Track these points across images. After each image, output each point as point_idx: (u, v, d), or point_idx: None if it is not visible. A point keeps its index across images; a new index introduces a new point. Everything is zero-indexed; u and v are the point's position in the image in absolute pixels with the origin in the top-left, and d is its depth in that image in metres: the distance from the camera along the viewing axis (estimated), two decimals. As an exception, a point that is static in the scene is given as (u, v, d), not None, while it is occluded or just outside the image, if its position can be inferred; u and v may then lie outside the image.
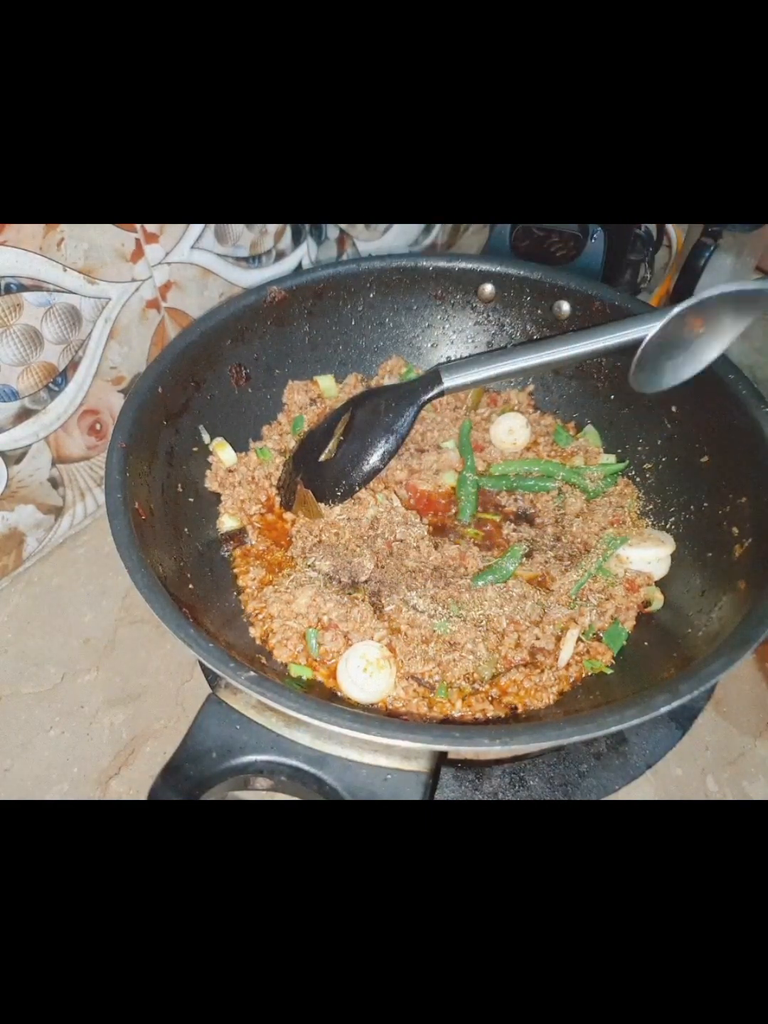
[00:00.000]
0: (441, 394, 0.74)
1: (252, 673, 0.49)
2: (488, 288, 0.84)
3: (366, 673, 0.61)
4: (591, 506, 0.77)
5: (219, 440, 0.79)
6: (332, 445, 0.76)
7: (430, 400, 0.74)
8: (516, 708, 0.63)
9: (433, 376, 0.74)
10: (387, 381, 0.88)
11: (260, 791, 0.54)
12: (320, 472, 0.76)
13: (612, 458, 0.81)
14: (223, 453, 0.78)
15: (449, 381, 0.73)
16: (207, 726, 0.52)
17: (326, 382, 0.86)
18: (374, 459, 0.75)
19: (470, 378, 0.73)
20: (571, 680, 0.65)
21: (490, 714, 0.62)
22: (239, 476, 0.78)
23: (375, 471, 0.75)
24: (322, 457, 0.77)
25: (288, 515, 0.77)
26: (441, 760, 0.54)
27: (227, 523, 0.76)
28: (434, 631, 0.65)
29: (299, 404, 0.85)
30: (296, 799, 0.54)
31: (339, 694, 0.63)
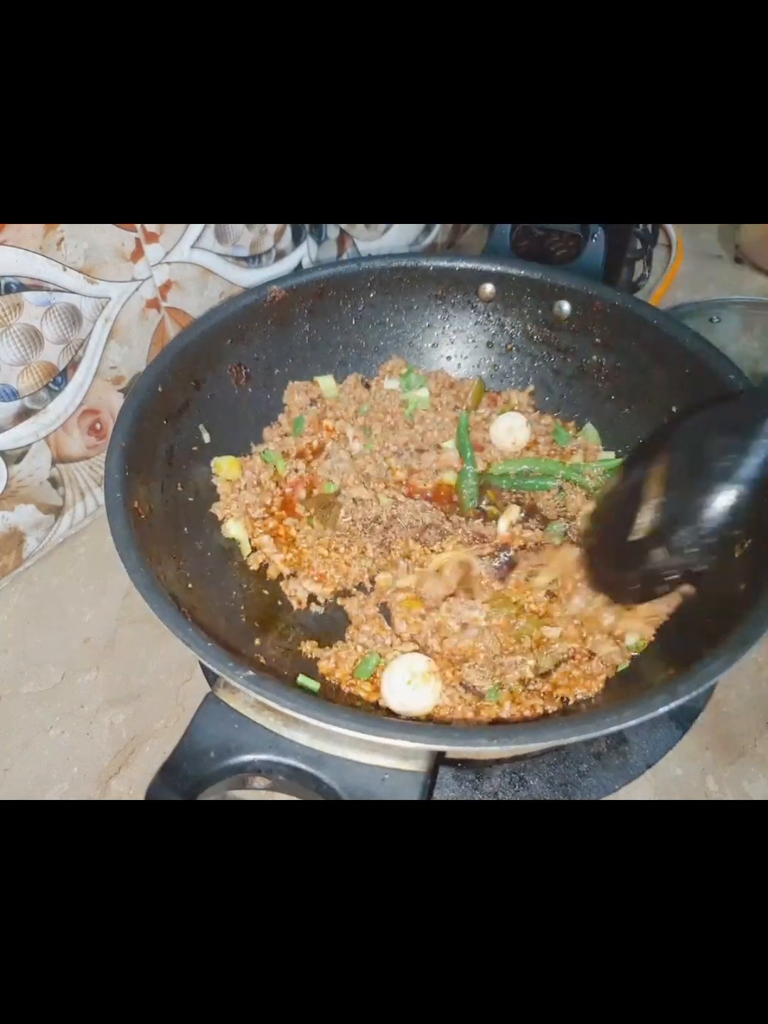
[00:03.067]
0: None
1: (251, 672, 0.49)
2: (488, 288, 0.84)
3: (411, 686, 0.59)
4: (592, 501, 0.77)
5: (219, 460, 0.77)
6: (646, 515, 0.55)
7: None
8: (567, 699, 0.62)
9: None
10: (386, 381, 0.88)
11: (258, 790, 0.54)
12: (630, 554, 0.55)
13: (611, 455, 0.81)
14: (225, 471, 0.77)
15: None
16: (205, 725, 0.52)
17: (326, 382, 0.86)
18: (718, 517, 0.51)
19: None
20: (616, 667, 0.64)
21: (540, 710, 0.61)
22: (244, 480, 0.78)
23: (723, 530, 0.52)
24: (633, 536, 0.55)
25: (289, 520, 0.76)
26: (439, 760, 0.54)
27: (231, 529, 0.75)
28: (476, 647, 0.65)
29: (299, 405, 0.85)
30: (294, 799, 0.54)
31: (381, 706, 0.62)
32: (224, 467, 0.77)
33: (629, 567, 0.56)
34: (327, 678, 0.65)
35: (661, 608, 0.63)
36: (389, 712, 0.61)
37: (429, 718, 0.61)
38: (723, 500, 0.51)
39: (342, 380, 0.88)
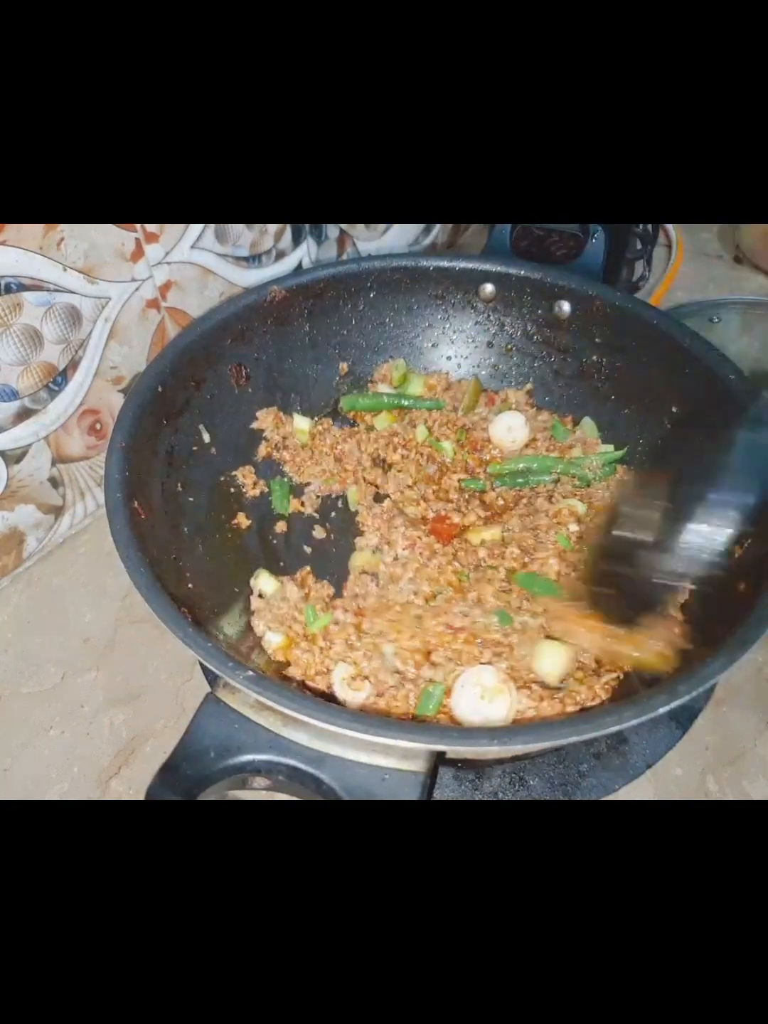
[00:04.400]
0: None
1: (251, 672, 0.49)
2: (488, 288, 0.84)
3: (484, 700, 0.57)
4: (589, 493, 0.77)
5: (258, 574, 0.71)
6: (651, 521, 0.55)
7: None
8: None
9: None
10: (381, 385, 0.88)
11: (258, 791, 0.54)
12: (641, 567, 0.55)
13: (610, 447, 0.81)
14: (263, 584, 0.71)
15: None
16: (205, 725, 0.52)
17: (302, 422, 0.84)
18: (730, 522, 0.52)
19: None
20: None
21: (611, 687, 0.61)
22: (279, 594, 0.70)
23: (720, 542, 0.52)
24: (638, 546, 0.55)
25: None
26: (439, 760, 0.54)
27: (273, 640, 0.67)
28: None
29: (273, 441, 0.83)
30: (294, 799, 0.54)
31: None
32: (261, 581, 0.71)
33: (631, 578, 0.55)
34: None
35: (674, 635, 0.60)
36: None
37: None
38: (724, 515, 0.52)
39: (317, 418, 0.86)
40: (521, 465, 0.80)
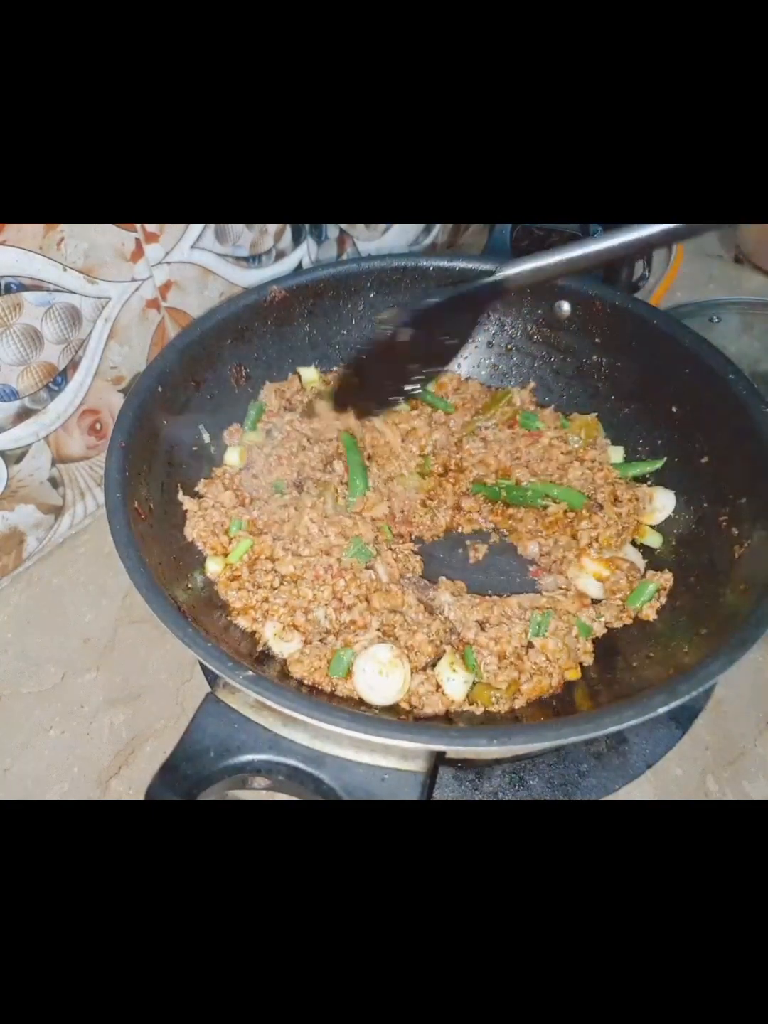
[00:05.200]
0: (499, 292, 0.62)
1: (250, 672, 0.49)
2: (488, 288, 0.84)
3: (382, 676, 0.59)
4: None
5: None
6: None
7: (491, 301, 0.66)
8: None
9: (486, 276, 0.62)
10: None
11: (258, 791, 0.54)
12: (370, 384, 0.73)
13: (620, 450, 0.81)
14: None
15: (505, 271, 0.61)
16: (205, 725, 0.52)
17: (308, 373, 0.85)
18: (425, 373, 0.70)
19: (532, 265, 0.61)
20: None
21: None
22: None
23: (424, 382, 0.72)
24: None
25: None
26: (439, 760, 0.54)
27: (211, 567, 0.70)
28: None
29: (274, 409, 0.83)
30: (294, 799, 0.54)
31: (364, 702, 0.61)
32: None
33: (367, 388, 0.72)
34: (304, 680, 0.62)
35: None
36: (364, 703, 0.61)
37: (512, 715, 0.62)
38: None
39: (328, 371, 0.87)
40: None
